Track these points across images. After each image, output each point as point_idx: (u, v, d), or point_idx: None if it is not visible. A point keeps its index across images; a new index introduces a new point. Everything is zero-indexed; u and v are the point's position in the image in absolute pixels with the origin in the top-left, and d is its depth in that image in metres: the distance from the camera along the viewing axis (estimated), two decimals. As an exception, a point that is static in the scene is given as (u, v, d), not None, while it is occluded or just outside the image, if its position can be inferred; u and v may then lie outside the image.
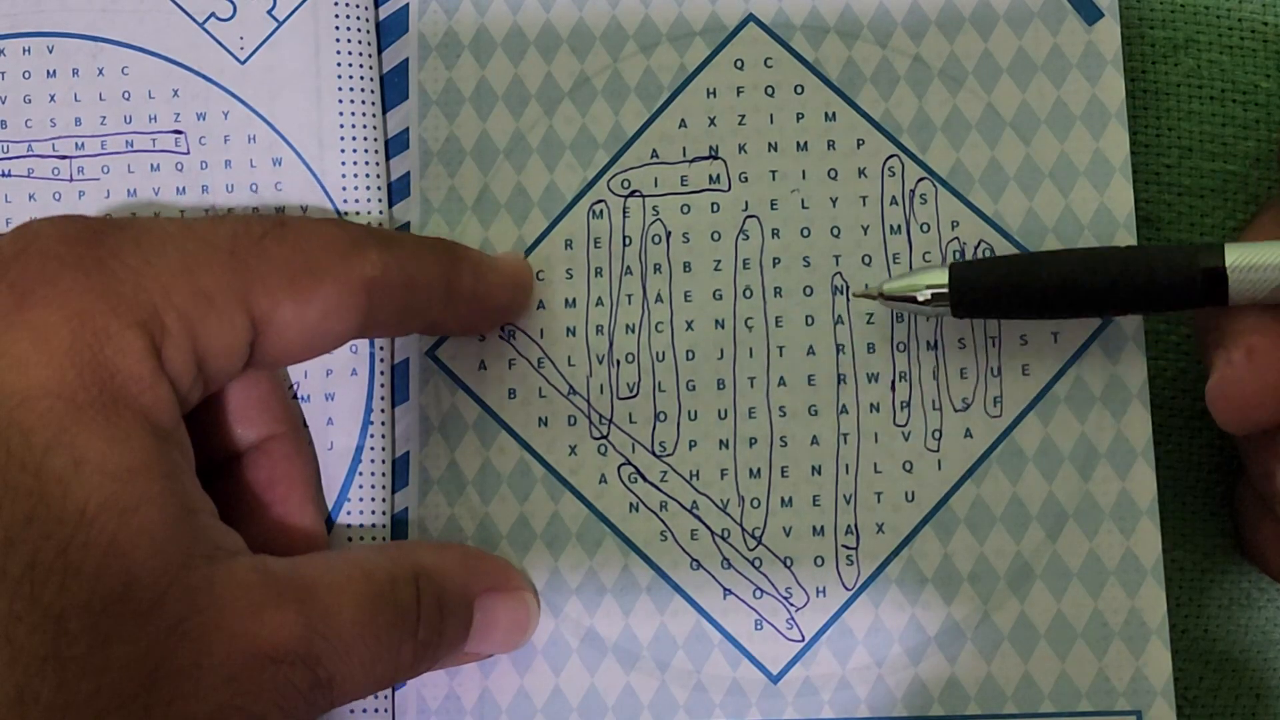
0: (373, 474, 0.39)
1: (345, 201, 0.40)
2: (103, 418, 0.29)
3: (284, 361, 0.33)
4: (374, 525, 0.39)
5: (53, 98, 0.40)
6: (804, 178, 0.39)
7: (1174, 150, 0.39)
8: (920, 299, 0.35)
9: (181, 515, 0.29)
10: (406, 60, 0.41)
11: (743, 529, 0.38)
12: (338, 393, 0.39)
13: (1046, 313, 0.35)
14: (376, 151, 0.40)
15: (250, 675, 0.29)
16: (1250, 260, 0.33)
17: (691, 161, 0.40)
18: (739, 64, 0.40)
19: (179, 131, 0.40)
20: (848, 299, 0.38)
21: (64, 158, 0.40)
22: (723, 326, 0.39)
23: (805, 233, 0.39)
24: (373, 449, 0.39)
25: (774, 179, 0.39)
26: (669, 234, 0.39)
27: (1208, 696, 0.37)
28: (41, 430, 0.28)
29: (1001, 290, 0.35)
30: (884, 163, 0.39)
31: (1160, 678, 0.36)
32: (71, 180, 0.40)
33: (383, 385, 0.39)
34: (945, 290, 0.35)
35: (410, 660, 0.33)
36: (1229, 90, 0.39)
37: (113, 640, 0.28)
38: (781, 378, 0.39)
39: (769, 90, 0.40)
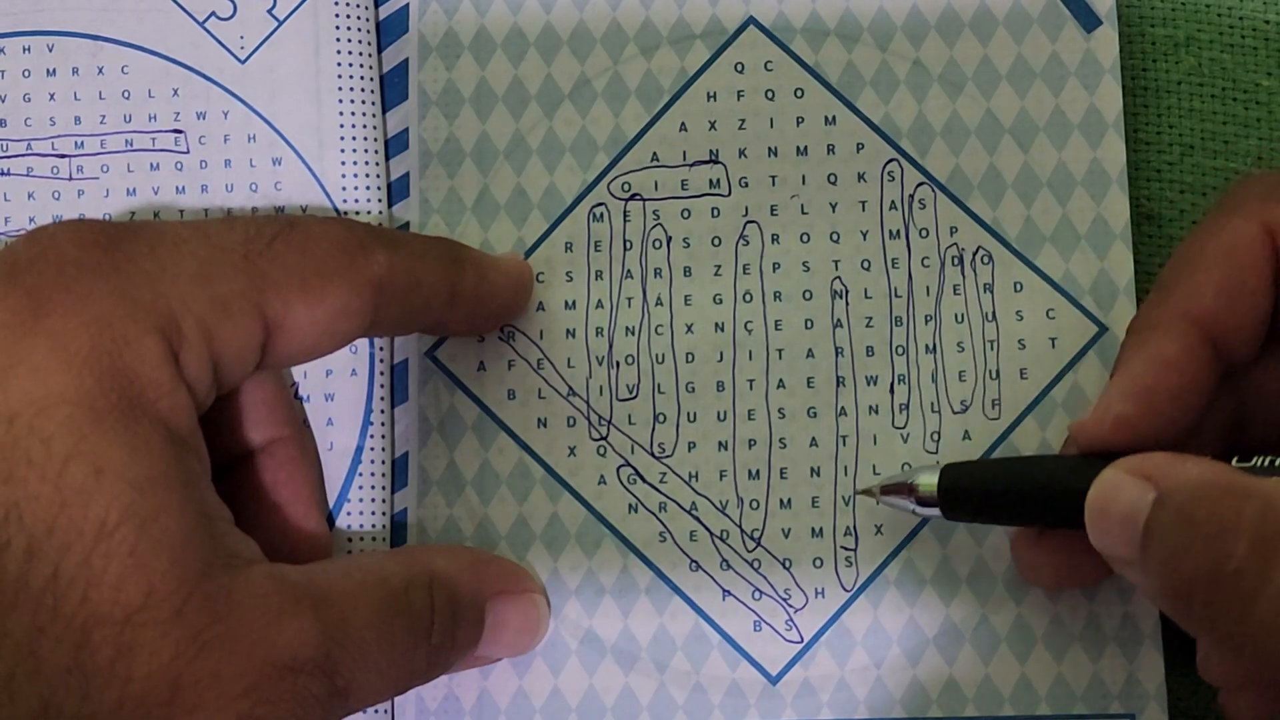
0: (372, 474, 0.39)
1: (345, 201, 0.40)
2: (122, 425, 0.29)
3: (293, 361, 0.34)
4: (373, 526, 0.39)
5: (52, 96, 0.40)
6: (804, 183, 0.39)
7: (1175, 148, 0.39)
8: (919, 496, 0.35)
9: (200, 524, 0.29)
10: (406, 60, 0.41)
11: (742, 530, 0.38)
12: (338, 393, 0.39)
13: (1037, 520, 0.35)
14: (376, 151, 0.40)
15: (269, 684, 0.29)
16: None
17: (691, 165, 0.40)
18: (739, 67, 0.40)
19: (179, 131, 0.40)
20: (847, 303, 0.39)
21: (63, 156, 0.40)
22: (722, 330, 0.39)
23: (805, 238, 0.39)
24: (372, 449, 0.39)
25: (774, 184, 0.39)
26: (669, 239, 0.39)
27: (1202, 707, 0.38)
28: (62, 439, 0.28)
29: (990, 496, 0.34)
30: (883, 167, 0.39)
31: (1153, 682, 0.37)
32: (71, 179, 0.40)
33: (382, 386, 0.39)
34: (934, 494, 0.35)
35: (424, 665, 0.33)
36: (1230, 88, 0.40)
37: (135, 650, 0.28)
38: (781, 380, 0.39)
39: (769, 94, 0.40)
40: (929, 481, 0.35)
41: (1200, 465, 0.30)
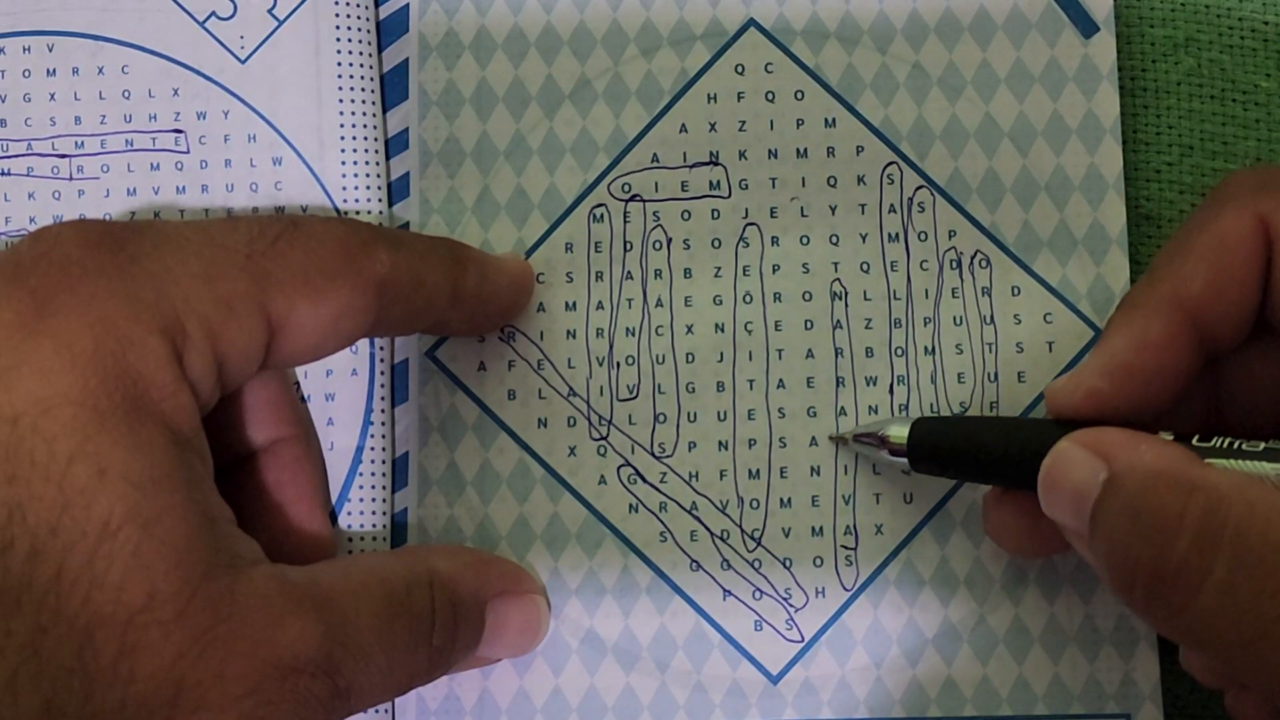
0: (373, 474, 0.39)
1: (345, 201, 0.40)
2: (126, 426, 0.29)
3: (296, 361, 0.34)
4: (374, 526, 0.39)
5: (52, 96, 0.40)
6: (803, 185, 0.39)
7: (1174, 149, 0.40)
8: (890, 446, 0.36)
9: (203, 524, 0.29)
10: (407, 60, 0.41)
11: (742, 530, 0.39)
12: (338, 393, 0.39)
13: (1000, 480, 0.35)
14: (376, 151, 0.40)
15: (271, 685, 0.29)
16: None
17: (692, 167, 0.40)
18: (739, 69, 0.40)
19: (179, 130, 0.40)
20: (846, 305, 0.39)
21: (63, 156, 0.40)
22: (722, 330, 0.39)
23: (804, 240, 0.39)
24: (373, 449, 0.39)
25: (774, 186, 0.40)
26: (669, 240, 0.40)
27: (1197, 707, 0.38)
28: (65, 439, 0.28)
29: (955, 452, 0.35)
30: (883, 170, 0.39)
31: (1148, 682, 0.37)
32: (71, 179, 0.40)
33: (383, 386, 0.39)
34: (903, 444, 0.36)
35: (425, 666, 0.33)
36: (1229, 89, 0.40)
37: (138, 651, 0.28)
38: (780, 380, 0.39)
39: (769, 95, 0.40)
40: (899, 433, 0.36)
41: (1153, 449, 0.30)
